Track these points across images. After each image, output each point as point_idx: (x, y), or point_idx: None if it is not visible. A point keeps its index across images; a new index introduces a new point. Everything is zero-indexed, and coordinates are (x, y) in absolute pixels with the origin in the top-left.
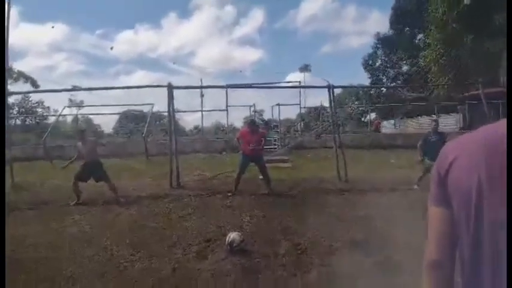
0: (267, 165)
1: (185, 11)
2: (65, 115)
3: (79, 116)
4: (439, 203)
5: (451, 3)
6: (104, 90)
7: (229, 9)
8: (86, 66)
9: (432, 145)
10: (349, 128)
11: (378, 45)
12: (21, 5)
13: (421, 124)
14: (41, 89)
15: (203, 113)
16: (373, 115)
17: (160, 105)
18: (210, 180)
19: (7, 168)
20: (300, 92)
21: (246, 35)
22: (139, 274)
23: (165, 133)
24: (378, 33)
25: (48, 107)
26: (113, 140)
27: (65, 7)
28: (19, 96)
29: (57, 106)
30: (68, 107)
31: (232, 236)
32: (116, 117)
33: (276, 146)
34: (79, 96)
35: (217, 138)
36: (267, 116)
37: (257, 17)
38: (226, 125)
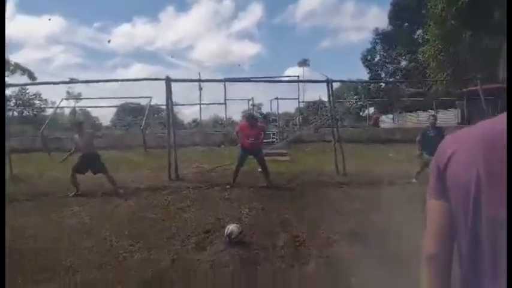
0: (265, 158)
1: (183, 5)
2: (62, 107)
3: (77, 109)
4: (437, 196)
5: None
6: (102, 83)
7: (228, 3)
8: (83, 59)
9: (430, 140)
10: (348, 122)
11: (376, 41)
12: None
13: (419, 119)
14: (38, 81)
15: (201, 106)
16: (371, 110)
17: (158, 99)
18: (209, 173)
19: (6, 159)
20: (298, 86)
21: (245, 29)
22: (138, 265)
23: (163, 126)
24: (377, 29)
25: (46, 100)
26: (111, 132)
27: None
28: (16, 89)
29: (55, 98)
30: (66, 99)
31: (231, 227)
32: (114, 110)
33: (274, 140)
34: (77, 88)
35: (216, 132)
36: (265, 109)
37: (255, 11)
38: (224, 119)
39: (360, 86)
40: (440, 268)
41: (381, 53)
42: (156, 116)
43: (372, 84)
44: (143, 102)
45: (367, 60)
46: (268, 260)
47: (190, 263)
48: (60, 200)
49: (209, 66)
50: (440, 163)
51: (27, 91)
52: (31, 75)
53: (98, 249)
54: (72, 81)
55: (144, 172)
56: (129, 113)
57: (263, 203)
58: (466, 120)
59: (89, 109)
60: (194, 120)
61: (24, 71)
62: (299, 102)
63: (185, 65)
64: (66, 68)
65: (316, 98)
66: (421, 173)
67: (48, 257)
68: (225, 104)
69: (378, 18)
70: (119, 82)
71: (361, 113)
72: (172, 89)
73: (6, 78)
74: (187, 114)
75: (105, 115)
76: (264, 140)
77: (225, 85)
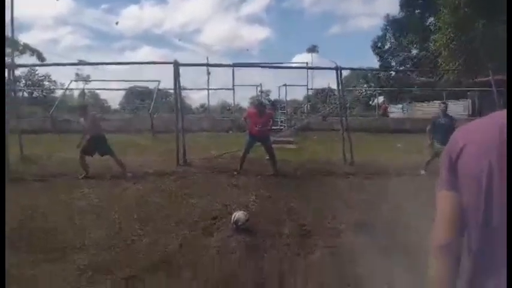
0: (272, 146)
1: None
2: (71, 89)
3: (86, 91)
4: (448, 187)
5: None
6: (110, 66)
7: None
8: (90, 40)
9: (441, 127)
10: (356, 112)
11: (387, 27)
12: None
13: (429, 109)
14: (46, 62)
15: (209, 91)
16: (381, 99)
17: (166, 83)
18: (216, 159)
19: (16, 140)
20: (307, 73)
21: (253, 13)
22: (146, 248)
23: (171, 110)
24: (388, 15)
25: (55, 81)
26: (120, 116)
27: None
28: (26, 69)
29: (64, 80)
30: (75, 81)
31: (238, 214)
32: (122, 92)
33: (282, 127)
34: (85, 70)
35: (224, 118)
36: (273, 96)
37: None
38: (232, 104)
39: (369, 74)
40: (449, 259)
41: (392, 40)
42: (164, 100)
43: (382, 73)
44: (151, 85)
45: (377, 47)
46: (274, 248)
47: (197, 249)
48: (70, 182)
49: (217, 51)
50: (452, 154)
51: (37, 72)
52: (40, 56)
53: (107, 231)
54: (81, 62)
55: (152, 157)
56: (137, 96)
57: (270, 191)
58: (478, 112)
59: (97, 91)
60: (202, 105)
61: (33, 51)
62: (308, 89)
63: (193, 48)
64: (74, 49)
65: (325, 85)
66: (430, 163)
67: (57, 237)
68: (233, 89)
69: (389, 3)
70: (127, 65)
71: (370, 102)
72: (180, 73)
73: (16, 58)
74: (195, 98)
75: (113, 98)
76: (272, 128)
77: (233, 70)
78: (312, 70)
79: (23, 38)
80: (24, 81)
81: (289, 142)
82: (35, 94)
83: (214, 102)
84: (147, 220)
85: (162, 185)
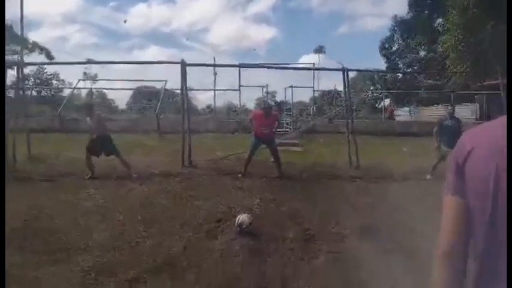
0: (278, 148)
1: None
2: (79, 88)
3: (93, 90)
4: (455, 192)
5: None
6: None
7: None
8: (99, 38)
9: (448, 129)
10: (363, 114)
11: (395, 28)
12: None
13: (436, 112)
14: (55, 60)
15: (216, 92)
16: (387, 101)
17: (173, 83)
18: (222, 161)
19: (24, 139)
20: (313, 74)
21: (261, 12)
22: (150, 250)
23: (178, 111)
24: (396, 16)
25: (63, 80)
26: (127, 116)
27: None
28: (34, 67)
29: (72, 78)
30: (83, 80)
31: (242, 217)
32: (130, 92)
33: (288, 129)
34: (93, 69)
35: (230, 119)
36: (279, 97)
37: None
38: (238, 105)
39: (376, 76)
40: (454, 264)
41: (400, 41)
42: (170, 100)
43: (389, 75)
44: (158, 85)
45: (385, 48)
46: (278, 252)
47: (201, 251)
48: (76, 182)
49: (224, 50)
50: (459, 158)
51: (45, 70)
52: (48, 55)
53: (112, 232)
54: (89, 61)
55: (158, 157)
56: (144, 96)
57: (274, 194)
58: (486, 116)
59: (105, 91)
60: (208, 106)
61: (42, 49)
62: (314, 91)
63: (200, 48)
64: (82, 47)
65: (331, 87)
66: (437, 166)
67: (62, 238)
68: (239, 90)
69: (398, 4)
70: (135, 64)
71: (376, 105)
72: (187, 72)
73: (25, 56)
74: (201, 99)
75: (121, 98)
76: (277, 130)
77: (239, 71)
78: (318, 71)
79: (32, 36)
80: (33, 80)
81: (294, 144)
82: (43, 93)
83: (220, 103)
84: (152, 222)
85: (167, 186)
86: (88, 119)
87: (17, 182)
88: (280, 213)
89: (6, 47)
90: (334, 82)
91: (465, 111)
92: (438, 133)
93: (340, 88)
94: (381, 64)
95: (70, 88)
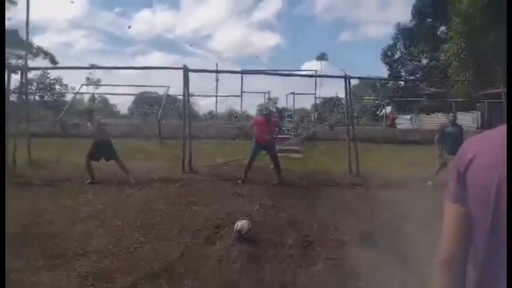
0: (278, 154)
1: None
2: (82, 93)
3: (96, 95)
4: (456, 199)
5: None
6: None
7: None
8: (103, 44)
9: (449, 136)
10: (364, 121)
11: (398, 36)
12: None
13: (437, 120)
14: (59, 65)
15: (217, 98)
16: (388, 109)
17: (176, 88)
18: (222, 167)
19: (25, 143)
20: (315, 81)
21: (265, 19)
22: (148, 256)
23: (179, 117)
24: (399, 24)
25: (66, 85)
26: (129, 121)
27: None
28: (38, 72)
29: (75, 84)
30: (86, 85)
31: (241, 223)
32: (132, 98)
33: (288, 136)
34: (96, 74)
35: (231, 125)
36: (281, 104)
37: (276, 1)
38: (239, 112)
39: (378, 84)
40: (455, 272)
41: (402, 49)
42: (172, 106)
43: (391, 82)
44: (160, 91)
45: (387, 56)
46: (277, 258)
47: (199, 257)
48: (76, 187)
49: (228, 57)
50: (460, 166)
51: (49, 75)
52: (52, 59)
53: (110, 238)
54: (92, 66)
55: (159, 163)
56: (147, 101)
57: (274, 200)
58: (487, 124)
59: (107, 96)
60: (210, 112)
61: (47, 54)
62: (315, 98)
63: (203, 54)
64: (87, 53)
65: (333, 94)
66: (438, 173)
67: (60, 243)
68: (241, 96)
69: (401, 11)
70: (137, 70)
71: (378, 112)
72: (189, 78)
73: (29, 61)
74: (203, 105)
75: (123, 103)
76: (278, 136)
77: (242, 77)
78: (320, 78)
79: (37, 41)
80: (36, 85)
81: (295, 151)
82: (46, 98)
83: (222, 109)
84: (150, 227)
85: (167, 192)
86: (89, 124)
87: (16, 186)
88: (280, 219)
89: (11, 52)
90: (336, 89)
91: (466, 120)
92: (440, 140)
93: (342, 95)
94: (383, 72)
95: (72, 93)
